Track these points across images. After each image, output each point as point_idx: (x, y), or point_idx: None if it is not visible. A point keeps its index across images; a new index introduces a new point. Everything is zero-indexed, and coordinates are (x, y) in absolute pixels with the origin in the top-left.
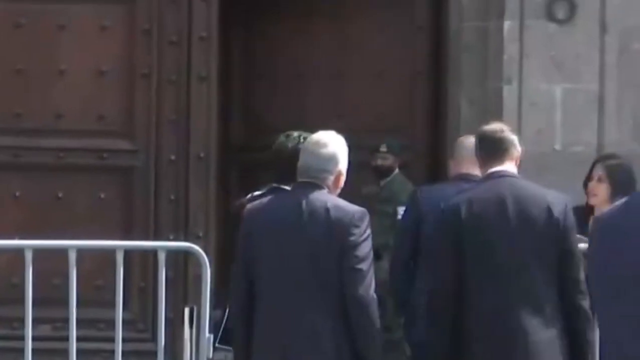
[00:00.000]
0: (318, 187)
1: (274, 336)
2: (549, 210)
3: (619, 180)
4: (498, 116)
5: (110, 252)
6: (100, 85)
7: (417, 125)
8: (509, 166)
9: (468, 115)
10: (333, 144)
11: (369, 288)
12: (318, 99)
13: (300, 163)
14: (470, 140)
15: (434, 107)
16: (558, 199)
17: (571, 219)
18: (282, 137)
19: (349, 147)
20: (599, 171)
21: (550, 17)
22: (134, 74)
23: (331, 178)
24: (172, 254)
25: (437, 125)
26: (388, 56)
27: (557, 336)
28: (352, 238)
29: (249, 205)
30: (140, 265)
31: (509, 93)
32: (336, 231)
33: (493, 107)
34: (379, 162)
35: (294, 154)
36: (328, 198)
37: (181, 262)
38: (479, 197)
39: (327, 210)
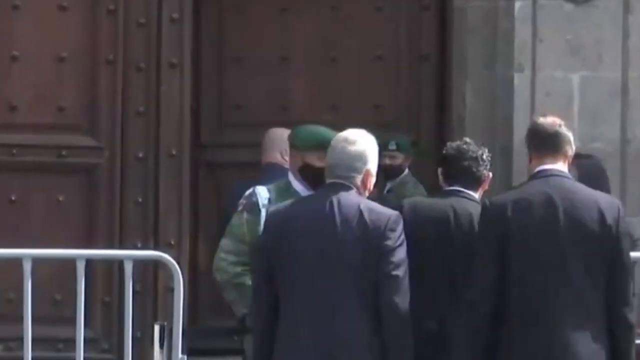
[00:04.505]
0: (347, 187)
1: (305, 351)
2: (601, 216)
3: (592, 180)
4: (508, 108)
5: (70, 262)
6: (59, 73)
7: (422, 118)
8: (560, 165)
9: (474, 107)
10: (361, 142)
11: (405, 296)
12: (306, 89)
13: (327, 161)
14: (274, 131)
15: (441, 97)
16: (611, 204)
17: (624, 225)
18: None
19: None
20: (571, 172)
21: None
22: (97, 60)
23: (359, 178)
24: (140, 264)
25: (442, 117)
26: (388, 39)
27: (603, 347)
28: (389, 242)
29: (271, 209)
30: (104, 276)
31: (520, 82)
32: (372, 236)
33: (502, 97)
34: (387, 161)
35: None
36: (360, 200)
37: (150, 273)
38: (527, 197)
39: (360, 213)
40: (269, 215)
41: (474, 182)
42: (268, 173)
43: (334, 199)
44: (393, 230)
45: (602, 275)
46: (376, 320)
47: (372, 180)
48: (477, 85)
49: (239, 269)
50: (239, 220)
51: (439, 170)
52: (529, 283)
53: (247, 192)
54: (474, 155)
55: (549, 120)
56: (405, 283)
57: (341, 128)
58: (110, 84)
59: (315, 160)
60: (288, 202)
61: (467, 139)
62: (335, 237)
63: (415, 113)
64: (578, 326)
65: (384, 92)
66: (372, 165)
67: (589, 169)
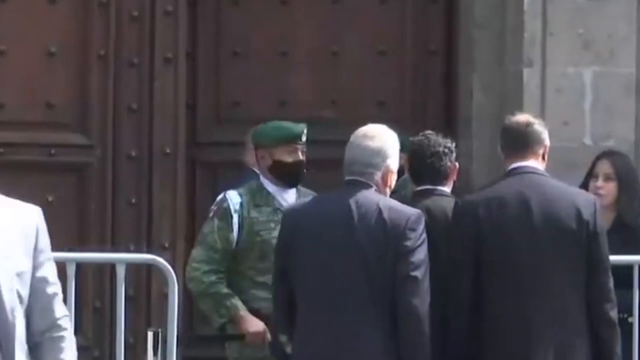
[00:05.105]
0: (366, 185)
1: (319, 352)
2: (577, 212)
3: (627, 178)
4: (517, 105)
5: (60, 265)
6: (48, 69)
7: (428, 115)
8: (532, 162)
9: (482, 104)
10: (381, 137)
11: (424, 298)
12: (307, 84)
13: (345, 157)
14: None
15: (447, 93)
16: (587, 200)
17: (601, 222)
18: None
19: (345, 141)
20: (605, 168)
21: None
22: (89, 55)
23: (378, 174)
24: (132, 267)
25: (449, 114)
26: (392, 33)
27: (584, 347)
28: (408, 243)
29: (288, 207)
30: (96, 281)
31: (529, 78)
32: (391, 235)
33: (511, 94)
34: None
35: None
36: (379, 198)
37: (144, 277)
38: (499, 196)
39: (379, 211)
40: (284, 214)
41: (440, 177)
42: (245, 175)
43: (352, 197)
44: (413, 230)
45: (581, 273)
46: (392, 321)
47: (393, 177)
48: (485, 81)
49: (213, 278)
50: (210, 227)
51: (406, 166)
52: (504, 284)
53: (219, 198)
54: (435, 149)
55: (519, 119)
56: (425, 285)
57: (343, 125)
58: (102, 80)
59: (285, 156)
60: (304, 200)
61: (429, 132)
62: (352, 237)
63: (421, 110)
64: (557, 326)
65: (388, 88)
66: (393, 161)
67: (625, 167)
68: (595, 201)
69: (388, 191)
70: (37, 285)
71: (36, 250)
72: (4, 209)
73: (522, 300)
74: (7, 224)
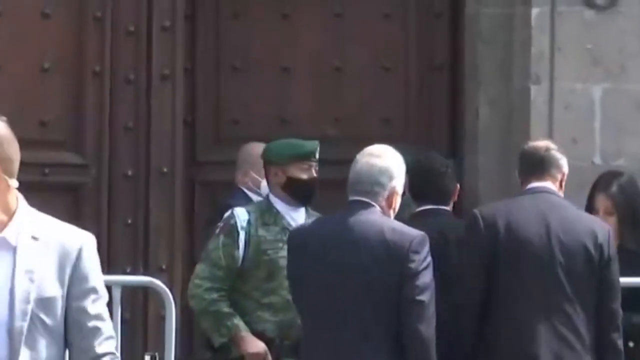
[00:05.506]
0: (370, 205)
1: None
2: (594, 235)
3: (627, 210)
4: (524, 121)
5: None
6: (41, 85)
7: (433, 132)
8: (549, 184)
9: (488, 121)
10: (387, 157)
11: (430, 323)
12: (309, 101)
13: (350, 176)
14: (241, 149)
15: (453, 110)
16: (601, 225)
17: (614, 247)
18: None
19: (348, 160)
20: (603, 202)
21: (588, 2)
22: (83, 71)
23: (384, 194)
24: (129, 290)
25: (454, 132)
26: (396, 48)
27: None
28: (412, 265)
29: (293, 228)
30: None
31: (537, 94)
32: (394, 257)
33: (518, 110)
34: None
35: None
36: (383, 220)
37: (140, 300)
38: (517, 212)
39: (382, 233)
40: (289, 235)
41: (444, 197)
42: (235, 195)
43: (355, 218)
44: (417, 252)
45: (592, 296)
46: (397, 341)
47: (398, 199)
48: (491, 98)
49: (214, 295)
50: (215, 244)
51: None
52: (515, 300)
53: (226, 215)
54: (437, 169)
55: (538, 145)
56: (431, 309)
57: (346, 143)
58: (97, 97)
59: (298, 173)
60: (310, 221)
61: (431, 153)
62: (355, 259)
63: (426, 127)
64: (566, 346)
65: (393, 105)
66: (398, 182)
67: (623, 196)
68: (609, 229)
69: (392, 214)
70: (74, 316)
71: (73, 277)
72: (48, 232)
73: (531, 318)
74: (44, 247)
